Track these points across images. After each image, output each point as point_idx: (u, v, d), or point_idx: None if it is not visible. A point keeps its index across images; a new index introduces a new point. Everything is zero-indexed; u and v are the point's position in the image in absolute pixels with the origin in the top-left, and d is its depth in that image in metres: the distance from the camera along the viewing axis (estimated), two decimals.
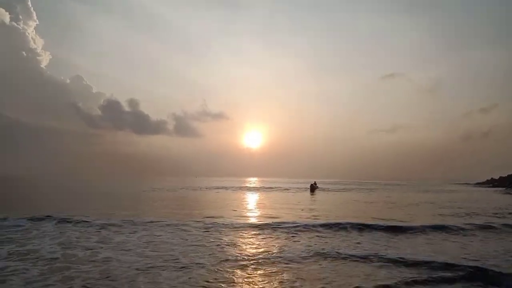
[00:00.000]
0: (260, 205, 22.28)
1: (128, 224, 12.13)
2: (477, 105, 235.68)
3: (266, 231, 11.29)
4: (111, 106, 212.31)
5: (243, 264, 7.43)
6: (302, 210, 18.27)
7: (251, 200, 26.69)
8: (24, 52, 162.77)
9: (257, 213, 16.82)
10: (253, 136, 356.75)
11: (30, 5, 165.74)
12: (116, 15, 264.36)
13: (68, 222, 12.40)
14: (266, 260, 7.75)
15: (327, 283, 6.31)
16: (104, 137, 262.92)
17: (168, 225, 12.11)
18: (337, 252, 8.49)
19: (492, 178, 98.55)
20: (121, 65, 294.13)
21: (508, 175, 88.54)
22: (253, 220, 13.76)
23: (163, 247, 8.94)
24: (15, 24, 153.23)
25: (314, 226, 12.12)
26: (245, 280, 6.46)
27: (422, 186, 69.22)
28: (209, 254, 8.23)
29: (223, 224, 12.38)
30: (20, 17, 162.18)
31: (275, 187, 45.83)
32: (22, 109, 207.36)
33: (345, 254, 8.37)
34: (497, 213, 17.57)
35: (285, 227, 11.81)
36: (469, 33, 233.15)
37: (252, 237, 10.40)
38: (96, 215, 14.10)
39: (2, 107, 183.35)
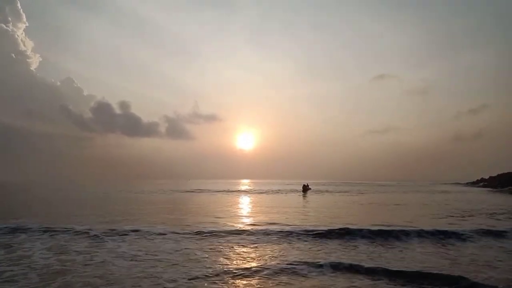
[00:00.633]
0: (250, 209, 21.35)
1: (105, 236, 11.04)
2: (467, 106, 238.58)
3: (244, 239, 10.55)
4: (102, 109, 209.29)
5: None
6: (291, 214, 17.40)
7: (241, 204, 25.69)
8: (13, 55, 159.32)
9: (244, 219, 15.83)
10: (245, 138, 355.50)
11: (20, 7, 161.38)
12: (107, 17, 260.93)
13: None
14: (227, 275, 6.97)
15: None
16: (95, 140, 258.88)
17: (150, 234, 11.22)
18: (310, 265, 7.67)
19: (482, 178, 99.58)
20: (112, 68, 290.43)
21: (498, 175, 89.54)
22: (236, 227, 12.75)
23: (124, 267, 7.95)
24: (4, 26, 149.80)
25: (296, 233, 11.27)
26: None
27: (414, 186, 69.21)
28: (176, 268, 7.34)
29: (206, 231, 11.45)
30: (9, 18, 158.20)
31: (267, 190, 44.88)
32: (11, 112, 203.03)
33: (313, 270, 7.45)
34: (491, 213, 17.01)
35: (263, 234, 11.11)
36: (460, 35, 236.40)
37: (226, 247, 9.55)
38: (73, 223, 13.04)
39: None
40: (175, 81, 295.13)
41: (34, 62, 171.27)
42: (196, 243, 10.00)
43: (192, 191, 41.44)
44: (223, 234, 11.21)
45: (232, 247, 9.51)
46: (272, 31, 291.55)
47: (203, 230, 11.60)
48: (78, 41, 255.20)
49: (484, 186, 65.34)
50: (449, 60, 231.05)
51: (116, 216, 15.90)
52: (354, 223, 12.96)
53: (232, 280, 6.67)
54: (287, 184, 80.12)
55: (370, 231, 11.15)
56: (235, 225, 13.13)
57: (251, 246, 9.72)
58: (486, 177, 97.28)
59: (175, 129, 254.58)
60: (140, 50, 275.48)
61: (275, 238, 10.67)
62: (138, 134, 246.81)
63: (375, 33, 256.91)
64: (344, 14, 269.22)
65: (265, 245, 9.80)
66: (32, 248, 9.20)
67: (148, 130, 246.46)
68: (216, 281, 6.58)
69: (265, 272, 7.12)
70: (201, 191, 42.11)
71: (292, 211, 18.58)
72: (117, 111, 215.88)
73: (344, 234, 11.01)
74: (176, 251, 9.01)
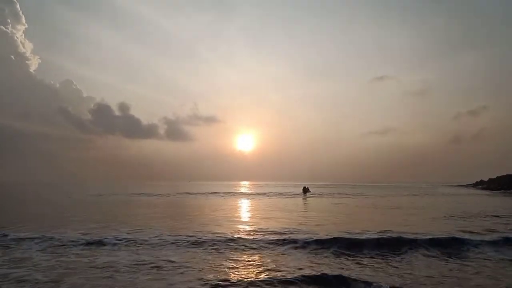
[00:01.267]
0: (248, 214, 20.59)
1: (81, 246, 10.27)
2: (466, 107, 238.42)
3: (233, 248, 9.85)
4: (102, 111, 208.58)
5: None
6: (291, 219, 16.62)
7: (240, 208, 24.93)
8: (12, 56, 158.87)
9: (240, 225, 15.05)
10: (245, 140, 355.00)
11: (19, 9, 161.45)
12: (106, 19, 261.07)
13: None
14: None
15: None
16: (94, 142, 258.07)
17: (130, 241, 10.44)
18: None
19: (481, 180, 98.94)
20: (112, 69, 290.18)
21: (497, 177, 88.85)
22: (228, 235, 11.85)
23: None
24: (4, 27, 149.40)
25: (293, 242, 10.52)
26: None
27: (414, 189, 68.40)
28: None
29: (197, 239, 10.68)
30: (9, 20, 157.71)
31: (267, 193, 44.03)
32: (11, 114, 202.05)
33: None
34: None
35: (256, 243, 10.44)
36: (459, 36, 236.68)
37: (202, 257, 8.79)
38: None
39: None
40: (174, 83, 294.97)
41: (34, 64, 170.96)
42: (176, 252, 9.27)
43: (191, 194, 40.60)
44: (213, 242, 10.46)
45: (208, 259, 8.73)
46: (271, 32, 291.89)
47: (196, 239, 10.82)
48: (77, 43, 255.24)
49: (484, 188, 64.55)
50: (448, 61, 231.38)
51: (97, 222, 14.96)
52: (357, 230, 12.23)
53: None
54: (287, 186, 79.34)
55: (377, 240, 10.34)
56: (228, 232, 12.26)
57: (239, 256, 9.01)
58: (485, 179, 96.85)
59: (175, 131, 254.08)
60: (140, 52, 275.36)
61: (269, 247, 9.93)
62: (137, 136, 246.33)
63: (374, 35, 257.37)
64: (343, 15, 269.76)
65: (255, 254, 9.10)
66: None
67: (148, 131, 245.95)
68: None
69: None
70: (200, 193, 41.27)
71: (292, 216, 17.80)
72: (117, 113, 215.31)
73: (347, 244, 10.22)
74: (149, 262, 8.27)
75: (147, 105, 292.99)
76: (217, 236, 11.25)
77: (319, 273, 7.29)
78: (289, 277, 7.08)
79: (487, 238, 10.93)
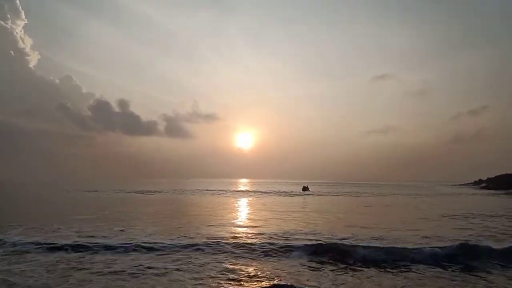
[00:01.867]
0: (246, 215, 19.90)
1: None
2: (467, 107, 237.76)
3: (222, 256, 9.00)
4: (101, 107, 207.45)
5: None
6: (289, 221, 15.94)
7: (238, 208, 24.25)
8: (12, 52, 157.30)
9: (237, 228, 14.35)
10: (245, 137, 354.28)
11: (18, 4, 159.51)
12: (106, 16, 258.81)
13: None
14: None
15: None
16: (94, 138, 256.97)
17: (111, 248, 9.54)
18: None
19: (480, 179, 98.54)
20: (112, 66, 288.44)
21: (496, 176, 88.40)
22: (215, 238, 11.17)
23: None
24: (3, 23, 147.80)
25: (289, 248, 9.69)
26: None
27: (415, 188, 67.85)
28: None
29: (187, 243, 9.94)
30: (8, 15, 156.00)
31: (266, 191, 43.31)
32: (9, 110, 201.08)
33: None
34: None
35: (250, 250, 9.53)
36: (459, 36, 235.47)
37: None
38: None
39: None
40: (174, 80, 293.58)
41: (33, 59, 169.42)
42: (160, 260, 8.56)
43: (189, 192, 39.88)
44: (200, 248, 9.64)
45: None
46: (271, 30, 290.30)
47: (187, 241, 10.13)
48: (77, 39, 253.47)
49: (484, 188, 63.97)
50: (449, 61, 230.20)
51: (85, 223, 14.30)
52: (357, 235, 11.54)
53: None
54: (286, 185, 78.78)
55: (378, 249, 9.56)
56: (221, 236, 11.45)
57: (225, 265, 8.30)
58: (484, 178, 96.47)
59: (174, 128, 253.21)
60: (139, 48, 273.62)
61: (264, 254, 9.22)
62: (137, 133, 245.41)
63: (375, 34, 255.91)
64: (343, 15, 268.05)
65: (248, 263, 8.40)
66: None
67: (147, 128, 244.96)
68: None
69: None
70: (199, 191, 40.57)
71: (291, 218, 17.10)
72: (116, 109, 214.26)
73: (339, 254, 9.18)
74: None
75: (146, 102, 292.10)
76: (193, 240, 10.57)
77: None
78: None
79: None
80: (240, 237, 11.24)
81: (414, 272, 7.84)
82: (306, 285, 6.74)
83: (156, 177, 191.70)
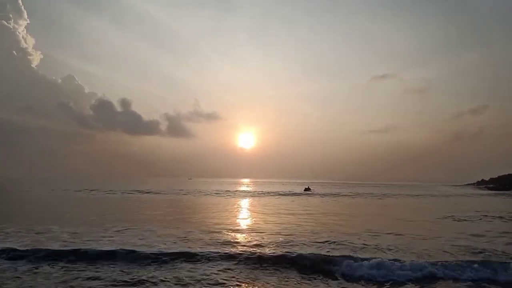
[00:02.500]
0: (246, 219, 18.62)
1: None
2: (467, 106, 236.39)
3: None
4: (103, 106, 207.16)
5: None
6: (291, 226, 14.64)
7: (238, 211, 22.97)
8: (14, 51, 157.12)
9: (234, 233, 13.02)
10: (246, 137, 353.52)
11: (21, 4, 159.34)
12: (108, 15, 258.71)
13: None
14: None
15: None
16: (95, 137, 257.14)
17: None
18: None
19: (482, 180, 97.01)
20: (113, 65, 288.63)
21: (499, 177, 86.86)
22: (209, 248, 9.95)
23: None
24: (5, 23, 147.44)
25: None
26: None
27: (419, 188, 66.41)
28: None
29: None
30: (11, 15, 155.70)
31: (268, 192, 41.95)
32: (13, 109, 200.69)
33: None
34: None
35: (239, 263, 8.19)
36: (461, 35, 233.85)
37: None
38: None
39: None
40: (175, 79, 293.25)
41: (35, 59, 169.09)
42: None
43: (190, 192, 38.65)
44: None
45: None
46: (273, 29, 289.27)
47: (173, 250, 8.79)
48: (79, 38, 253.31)
49: (489, 188, 62.51)
50: (450, 60, 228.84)
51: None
52: (367, 244, 10.19)
53: None
54: (288, 185, 77.49)
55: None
56: (214, 246, 10.05)
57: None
58: (487, 178, 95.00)
59: (176, 127, 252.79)
60: (141, 48, 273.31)
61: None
62: (138, 132, 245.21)
63: (377, 33, 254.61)
64: (345, 13, 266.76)
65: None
66: None
67: (149, 128, 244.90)
68: None
69: None
70: (202, 192, 39.26)
71: (293, 221, 15.77)
72: (118, 109, 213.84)
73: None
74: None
75: (148, 101, 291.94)
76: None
77: None
78: None
79: None
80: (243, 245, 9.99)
81: None
82: None
83: (158, 176, 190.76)
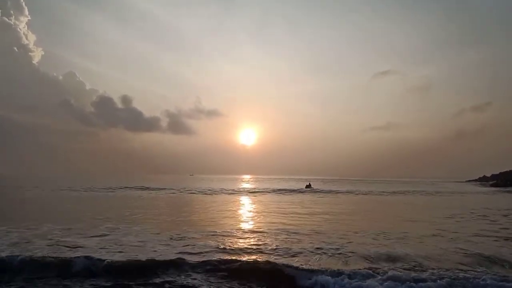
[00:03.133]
0: (246, 221, 17.61)
1: None
2: (469, 103, 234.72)
3: None
4: (104, 103, 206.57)
5: None
6: (293, 229, 13.61)
7: (238, 211, 21.98)
8: (15, 48, 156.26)
9: (230, 239, 11.97)
10: (247, 134, 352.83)
11: (22, 0, 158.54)
12: (110, 12, 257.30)
13: None
14: None
15: None
16: (96, 134, 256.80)
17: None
18: None
19: (484, 176, 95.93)
20: (114, 62, 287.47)
21: (500, 173, 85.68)
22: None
23: None
24: (6, 19, 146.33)
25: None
26: None
27: (422, 185, 65.27)
28: None
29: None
30: (11, 12, 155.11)
31: (269, 189, 40.85)
32: (13, 105, 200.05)
33: None
34: None
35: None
36: (464, 32, 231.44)
37: None
38: None
39: None
40: (176, 76, 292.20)
41: (37, 55, 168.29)
42: None
43: (189, 190, 37.62)
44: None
45: None
46: (274, 27, 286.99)
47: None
48: (81, 35, 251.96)
49: (494, 185, 61.27)
50: (452, 58, 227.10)
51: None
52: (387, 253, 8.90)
53: None
54: (289, 181, 76.56)
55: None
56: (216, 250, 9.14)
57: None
58: (488, 174, 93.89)
59: (177, 124, 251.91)
60: (142, 44, 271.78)
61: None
62: (139, 129, 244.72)
63: (379, 30, 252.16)
64: (346, 12, 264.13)
65: None
66: None
67: (150, 124, 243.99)
68: None
69: None
70: (203, 189, 38.21)
71: (295, 222, 14.75)
72: (119, 105, 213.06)
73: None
74: None
75: (149, 98, 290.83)
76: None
77: None
78: None
79: None
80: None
81: None
82: None
83: (160, 173, 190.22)
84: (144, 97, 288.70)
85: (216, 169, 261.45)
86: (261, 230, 11.88)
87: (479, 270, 7.30)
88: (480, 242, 10.38)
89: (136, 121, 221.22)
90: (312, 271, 6.94)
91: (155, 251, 8.57)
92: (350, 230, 12.12)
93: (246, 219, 15.33)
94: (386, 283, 6.38)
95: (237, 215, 16.85)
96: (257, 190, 38.30)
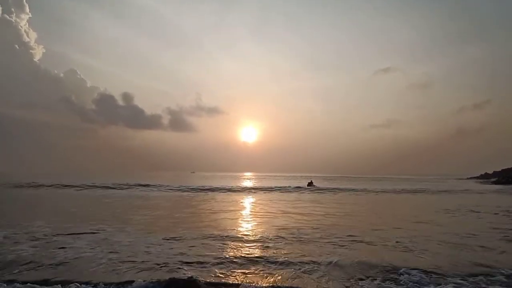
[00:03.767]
0: (246, 224, 16.93)
1: None
2: (470, 100, 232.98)
3: None
4: (105, 100, 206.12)
5: None
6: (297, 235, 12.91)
7: (238, 212, 21.30)
8: (16, 46, 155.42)
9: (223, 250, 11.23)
10: (248, 131, 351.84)
11: None
12: (111, 9, 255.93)
13: None
14: None
15: None
16: (97, 131, 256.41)
17: None
18: None
19: (486, 173, 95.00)
20: (115, 59, 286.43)
21: (502, 170, 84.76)
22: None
23: None
24: (7, 16, 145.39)
25: None
26: None
27: (425, 183, 64.50)
28: None
29: None
30: (12, 9, 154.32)
31: (271, 187, 40.09)
32: (15, 103, 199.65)
33: None
34: None
35: None
36: (465, 29, 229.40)
37: None
38: None
39: None
40: (177, 74, 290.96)
41: (38, 53, 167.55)
42: None
43: (200, 189, 36.88)
44: None
45: None
46: (275, 23, 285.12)
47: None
48: (81, 32, 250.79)
49: (496, 183, 60.43)
50: (454, 55, 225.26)
51: None
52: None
53: None
54: (290, 179, 75.82)
55: None
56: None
57: None
58: (490, 171, 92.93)
59: (178, 121, 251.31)
60: (143, 42, 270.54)
61: None
62: (140, 126, 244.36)
63: (380, 27, 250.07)
64: (347, 8, 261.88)
65: None
66: None
67: (151, 122, 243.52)
68: None
69: None
70: (202, 189, 37.47)
71: (300, 225, 14.03)
72: (120, 103, 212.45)
73: None
74: None
75: (150, 95, 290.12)
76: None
77: None
78: None
79: None
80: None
81: None
82: None
83: (161, 170, 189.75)
84: (145, 94, 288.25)
85: (217, 167, 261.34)
86: (265, 235, 10.07)
87: None
88: None
89: (137, 118, 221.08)
90: None
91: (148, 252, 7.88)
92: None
93: (247, 220, 14.41)
94: None
95: (237, 216, 16.10)
96: (258, 188, 37.59)
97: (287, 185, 41.61)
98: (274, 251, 8.05)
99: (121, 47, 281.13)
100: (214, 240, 9.20)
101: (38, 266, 6.62)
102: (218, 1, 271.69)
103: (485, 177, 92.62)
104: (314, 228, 11.24)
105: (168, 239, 9.19)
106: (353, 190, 35.79)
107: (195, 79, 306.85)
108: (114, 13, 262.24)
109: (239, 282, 5.82)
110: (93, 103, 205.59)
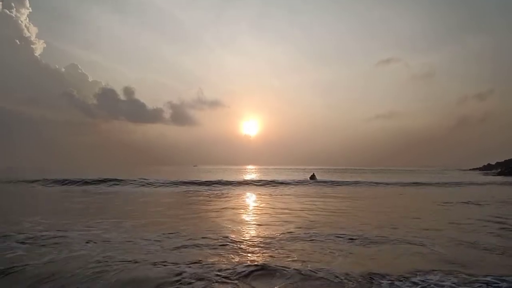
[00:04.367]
0: (245, 224, 16.27)
1: None
2: (473, 90, 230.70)
3: None
4: (107, 95, 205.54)
5: None
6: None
7: (239, 211, 20.70)
8: (17, 41, 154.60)
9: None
10: (250, 124, 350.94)
11: None
12: (112, 4, 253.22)
13: None
14: None
15: None
16: (99, 126, 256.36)
17: None
18: None
19: (488, 164, 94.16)
20: (117, 54, 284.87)
21: (505, 161, 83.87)
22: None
23: None
24: (7, 11, 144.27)
25: None
26: None
27: (429, 174, 63.73)
28: None
29: None
30: (13, 4, 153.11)
31: (274, 181, 39.33)
32: (16, 98, 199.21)
33: None
34: None
35: None
36: (467, 20, 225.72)
37: None
38: None
39: None
40: (179, 67, 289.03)
41: (38, 48, 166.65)
42: None
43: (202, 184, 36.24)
44: None
45: None
46: (275, 17, 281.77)
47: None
48: (82, 27, 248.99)
49: (500, 174, 59.61)
50: (456, 45, 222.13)
51: None
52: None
53: None
54: (292, 172, 75.24)
55: None
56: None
57: None
58: (493, 162, 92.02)
59: (180, 115, 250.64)
60: (144, 36, 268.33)
61: None
62: (142, 120, 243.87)
63: (381, 18, 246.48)
64: None
65: None
66: None
67: (153, 116, 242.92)
68: None
69: None
70: (204, 183, 36.82)
71: (304, 225, 13.36)
72: (122, 97, 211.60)
73: None
74: None
75: (152, 90, 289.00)
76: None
77: None
78: None
79: None
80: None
81: None
82: None
83: (163, 164, 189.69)
84: (146, 88, 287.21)
85: (219, 160, 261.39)
86: (271, 235, 8.88)
87: None
88: None
89: (139, 112, 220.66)
90: None
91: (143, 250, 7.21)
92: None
93: (249, 218, 13.77)
94: None
95: (239, 212, 15.46)
96: (261, 181, 36.97)
97: (289, 178, 40.97)
98: (280, 252, 7.37)
99: (122, 41, 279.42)
100: (226, 245, 8.54)
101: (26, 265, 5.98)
102: None
103: (488, 168, 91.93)
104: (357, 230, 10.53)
105: (168, 236, 8.54)
106: (357, 183, 35.07)
107: (197, 73, 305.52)
108: (115, 7, 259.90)
109: None
110: (94, 97, 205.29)
